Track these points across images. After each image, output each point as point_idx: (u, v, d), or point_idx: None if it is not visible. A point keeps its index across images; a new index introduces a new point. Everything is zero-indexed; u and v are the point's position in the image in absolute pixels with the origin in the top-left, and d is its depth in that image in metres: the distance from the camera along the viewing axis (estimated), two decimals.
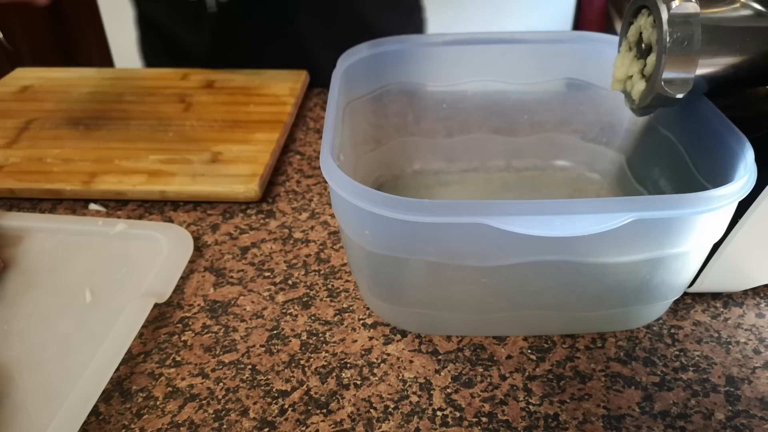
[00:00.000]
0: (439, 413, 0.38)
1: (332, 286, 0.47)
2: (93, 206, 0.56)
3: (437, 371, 0.41)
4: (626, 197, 0.39)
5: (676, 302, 0.45)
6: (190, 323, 0.44)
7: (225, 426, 0.37)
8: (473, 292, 0.40)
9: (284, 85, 0.71)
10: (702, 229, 0.36)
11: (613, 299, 0.40)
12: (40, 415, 0.37)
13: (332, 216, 0.54)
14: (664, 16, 0.37)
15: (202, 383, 0.40)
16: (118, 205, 0.56)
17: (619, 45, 0.43)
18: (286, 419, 0.38)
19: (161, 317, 0.45)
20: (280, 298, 0.46)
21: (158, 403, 0.39)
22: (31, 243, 0.51)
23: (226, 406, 0.39)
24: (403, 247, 0.37)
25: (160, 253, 0.49)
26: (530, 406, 0.38)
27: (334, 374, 0.40)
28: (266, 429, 0.37)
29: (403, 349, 0.42)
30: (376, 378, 0.40)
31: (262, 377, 0.40)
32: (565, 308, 0.41)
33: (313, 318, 0.44)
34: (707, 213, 0.34)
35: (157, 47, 0.83)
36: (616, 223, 0.33)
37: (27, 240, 0.51)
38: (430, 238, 0.36)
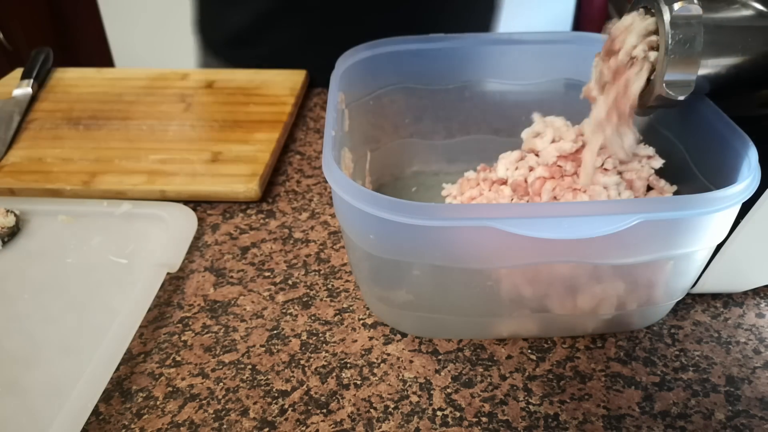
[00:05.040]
0: (439, 413, 0.38)
1: (332, 286, 0.47)
2: None
3: (437, 371, 0.41)
4: (633, 199, 0.39)
5: (676, 302, 0.45)
6: (190, 323, 0.44)
7: (225, 426, 0.37)
8: (478, 296, 0.39)
9: (284, 85, 0.71)
10: (708, 230, 0.36)
11: (619, 301, 0.40)
12: (41, 415, 0.37)
13: (332, 216, 0.54)
14: (666, 17, 0.37)
15: (202, 383, 0.40)
16: None
17: None
18: (286, 419, 0.38)
19: (161, 317, 0.45)
20: (280, 298, 0.46)
21: (158, 403, 0.39)
22: (38, 225, 0.52)
23: (226, 406, 0.39)
24: (409, 251, 0.37)
25: (166, 229, 0.50)
26: (530, 406, 0.38)
27: (334, 374, 0.40)
28: (266, 429, 0.37)
29: (403, 349, 0.42)
30: (376, 378, 0.40)
31: (262, 377, 0.40)
32: (570, 310, 0.41)
33: (313, 318, 0.44)
34: (714, 214, 0.34)
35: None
36: (624, 224, 0.33)
37: (33, 222, 0.52)
38: (436, 241, 0.36)
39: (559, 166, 0.43)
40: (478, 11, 0.81)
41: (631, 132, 0.41)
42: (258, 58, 0.78)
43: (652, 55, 0.38)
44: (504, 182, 0.45)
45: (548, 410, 0.38)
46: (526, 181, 0.43)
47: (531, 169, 0.44)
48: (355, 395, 0.39)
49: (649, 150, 0.43)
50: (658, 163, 0.43)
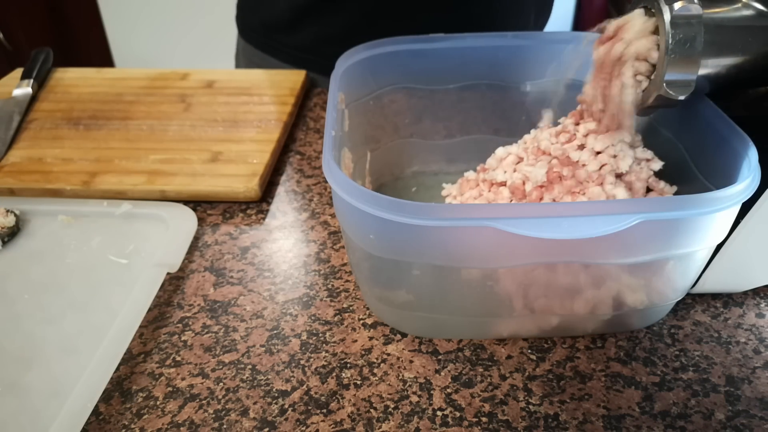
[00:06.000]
0: (439, 413, 0.38)
1: (332, 286, 0.47)
2: None
3: (437, 371, 0.41)
4: (633, 199, 0.39)
5: (676, 302, 0.45)
6: (190, 323, 0.44)
7: (225, 426, 0.37)
8: (478, 296, 0.39)
9: (284, 85, 0.71)
10: (708, 230, 0.36)
11: (619, 301, 0.40)
12: (41, 415, 0.37)
13: (332, 216, 0.54)
14: (667, 17, 0.37)
15: (202, 383, 0.40)
16: None
17: None
18: (286, 419, 0.38)
19: (161, 317, 0.45)
20: (280, 298, 0.46)
21: (158, 403, 0.39)
22: (38, 225, 0.52)
23: (226, 406, 0.39)
24: (409, 251, 0.37)
25: (166, 229, 0.50)
26: (530, 406, 0.38)
27: (334, 374, 0.40)
28: (266, 429, 0.37)
29: (403, 349, 0.42)
30: (376, 378, 0.40)
31: (262, 377, 0.40)
32: (570, 310, 0.41)
33: (313, 318, 0.44)
34: (714, 214, 0.34)
35: None
36: (624, 224, 0.33)
37: (33, 222, 0.52)
38: (436, 241, 0.36)
39: (555, 171, 0.43)
40: (526, 14, 0.80)
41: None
42: (296, 48, 0.77)
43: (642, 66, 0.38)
44: (503, 184, 0.46)
45: (548, 410, 0.38)
46: (524, 183, 0.44)
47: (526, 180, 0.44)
48: (355, 395, 0.39)
49: (648, 153, 0.43)
50: (658, 165, 0.43)
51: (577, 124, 0.45)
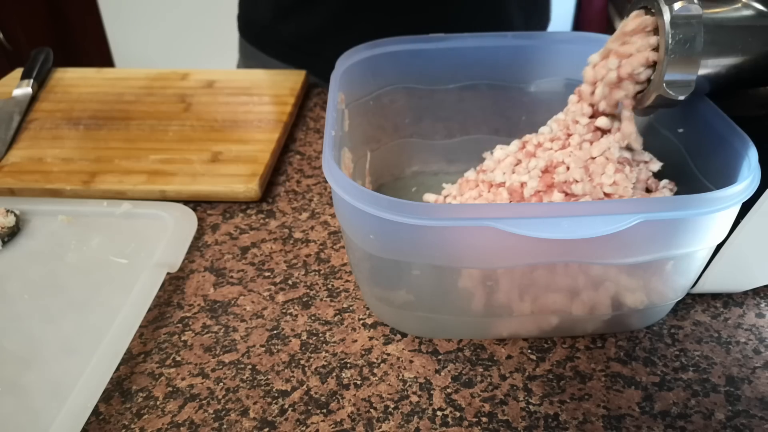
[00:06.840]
0: (439, 413, 0.38)
1: (332, 286, 0.47)
2: None
3: (437, 371, 0.41)
4: (633, 198, 0.39)
5: (676, 302, 0.45)
6: (190, 323, 0.44)
7: (225, 426, 0.37)
8: (478, 296, 0.39)
9: (284, 85, 0.71)
10: (708, 230, 0.36)
11: (619, 301, 0.40)
12: (41, 415, 0.37)
13: (332, 216, 0.54)
14: (667, 17, 0.37)
15: (202, 383, 0.40)
16: None
17: None
18: (286, 419, 0.38)
19: (161, 317, 0.45)
20: (280, 298, 0.46)
21: (158, 403, 0.39)
22: (38, 225, 0.52)
23: (226, 406, 0.39)
24: (408, 251, 0.37)
25: (166, 229, 0.51)
26: (530, 406, 0.38)
27: (334, 374, 0.40)
28: (266, 429, 0.37)
29: (403, 349, 0.42)
30: (376, 378, 0.40)
31: (262, 377, 0.40)
32: (570, 310, 0.41)
33: (313, 318, 0.44)
34: (714, 214, 0.34)
35: None
36: (624, 224, 0.33)
37: (33, 222, 0.52)
38: (436, 241, 0.36)
39: (553, 177, 0.43)
40: (508, 13, 0.79)
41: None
42: (282, 43, 0.78)
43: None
44: (502, 185, 0.46)
45: (548, 410, 0.38)
46: (522, 185, 0.44)
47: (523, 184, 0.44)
48: (355, 395, 0.39)
49: (646, 155, 0.43)
50: (656, 166, 0.43)
51: (569, 135, 0.45)
